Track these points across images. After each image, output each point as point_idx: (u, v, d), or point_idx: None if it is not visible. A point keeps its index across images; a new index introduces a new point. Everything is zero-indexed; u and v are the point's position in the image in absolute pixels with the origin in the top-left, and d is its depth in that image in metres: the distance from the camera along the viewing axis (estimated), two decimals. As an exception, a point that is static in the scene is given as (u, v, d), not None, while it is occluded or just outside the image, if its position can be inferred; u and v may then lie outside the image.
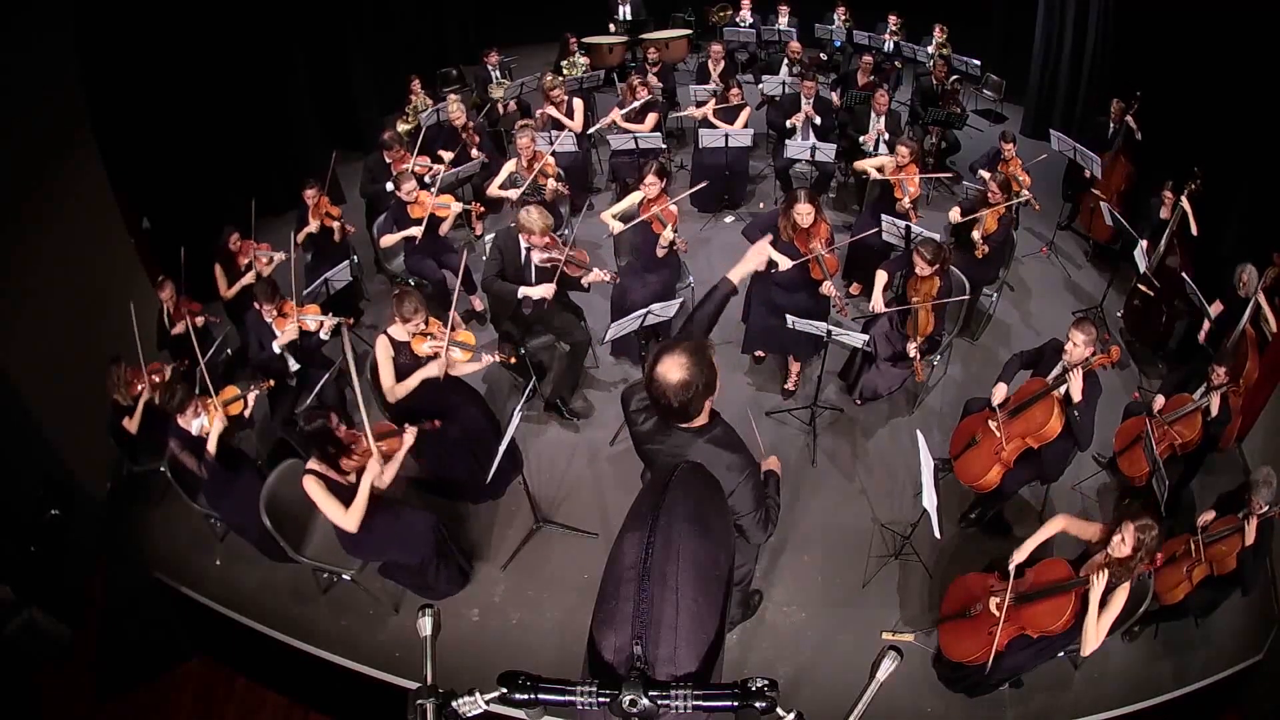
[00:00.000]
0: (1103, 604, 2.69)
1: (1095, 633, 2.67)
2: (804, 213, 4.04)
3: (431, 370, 3.53)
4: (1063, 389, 3.32)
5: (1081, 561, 2.87)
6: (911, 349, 4.01)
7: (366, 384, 3.59)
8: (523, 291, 4.03)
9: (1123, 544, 2.68)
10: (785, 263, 4.15)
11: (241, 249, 4.72)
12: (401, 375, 3.56)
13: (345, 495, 3.01)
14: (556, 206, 5.25)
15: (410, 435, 3.25)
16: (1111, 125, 5.86)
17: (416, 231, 4.81)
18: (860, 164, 5.41)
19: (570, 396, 4.51)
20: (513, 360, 3.92)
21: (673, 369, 1.81)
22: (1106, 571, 2.67)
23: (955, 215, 4.82)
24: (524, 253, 4.04)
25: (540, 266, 4.06)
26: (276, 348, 3.94)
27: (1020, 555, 2.94)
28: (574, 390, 4.53)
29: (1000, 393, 3.56)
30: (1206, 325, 4.23)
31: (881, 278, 4.26)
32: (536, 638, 3.40)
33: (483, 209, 5.15)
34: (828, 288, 4.12)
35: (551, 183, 5.07)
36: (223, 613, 3.59)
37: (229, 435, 3.42)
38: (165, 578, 3.74)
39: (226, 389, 3.61)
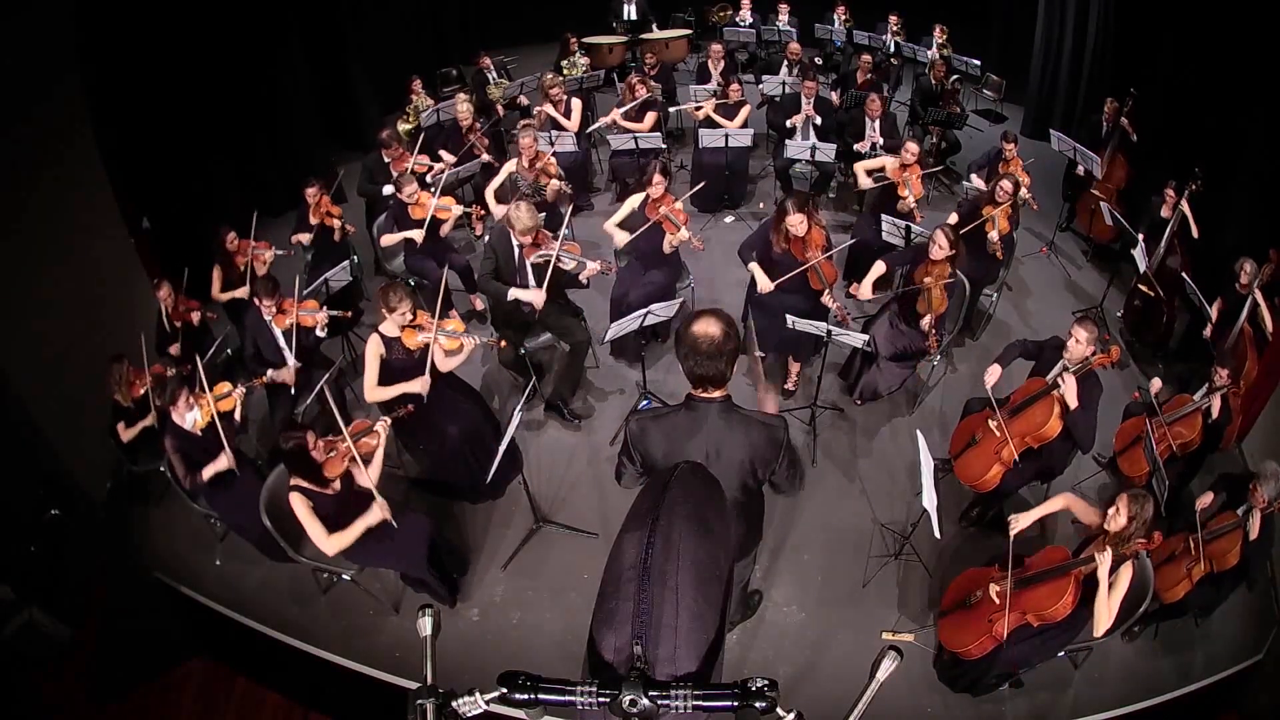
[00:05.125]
0: (1110, 583, 2.70)
1: (1107, 610, 2.68)
2: (796, 223, 4.03)
3: (415, 387, 3.52)
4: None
5: (1081, 550, 2.88)
6: (925, 322, 4.02)
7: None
8: (512, 294, 4.03)
9: (1118, 515, 2.72)
10: (766, 285, 4.13)
11: (239, 248, 4.73)
12: (394, 370, 3.56)
13: (332, 505, 3.03)
14: (557, 206, 5.25)
15: (383, 429, 3.27)
16: (1105, 124, 5.86)
17: (418, 235, 4.81)
18: (859, 168, 5.35)
19: (571, 396, 4.51)
20: (502, 344, 3.92)
21: (710, 325, 1.96)
22: (1110, 549, 2.69)
23: (951, 220, 4.77)
24: (517, 251, 4.04)
25: (534, 264, 4.06)
26: (271, 376, 3.94)
27: (1025, 520, 2.95)
28: (574, 390, 4.53)
29: (995, 374, 3.55)
30: (1210, 327, 4.21)
31: (879, 269, 4.27)
32: (536, 638, 3.40)
33: (483, 211, 5.17)
34: (828, 299, 4.11)
35: (554, 183, 5.07)
36: (223, 613, 3.59)
37: (228, 435, 3.42)
38: (165, 578, 3.74)
39: (219, 384, 3.62)
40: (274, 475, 3.28)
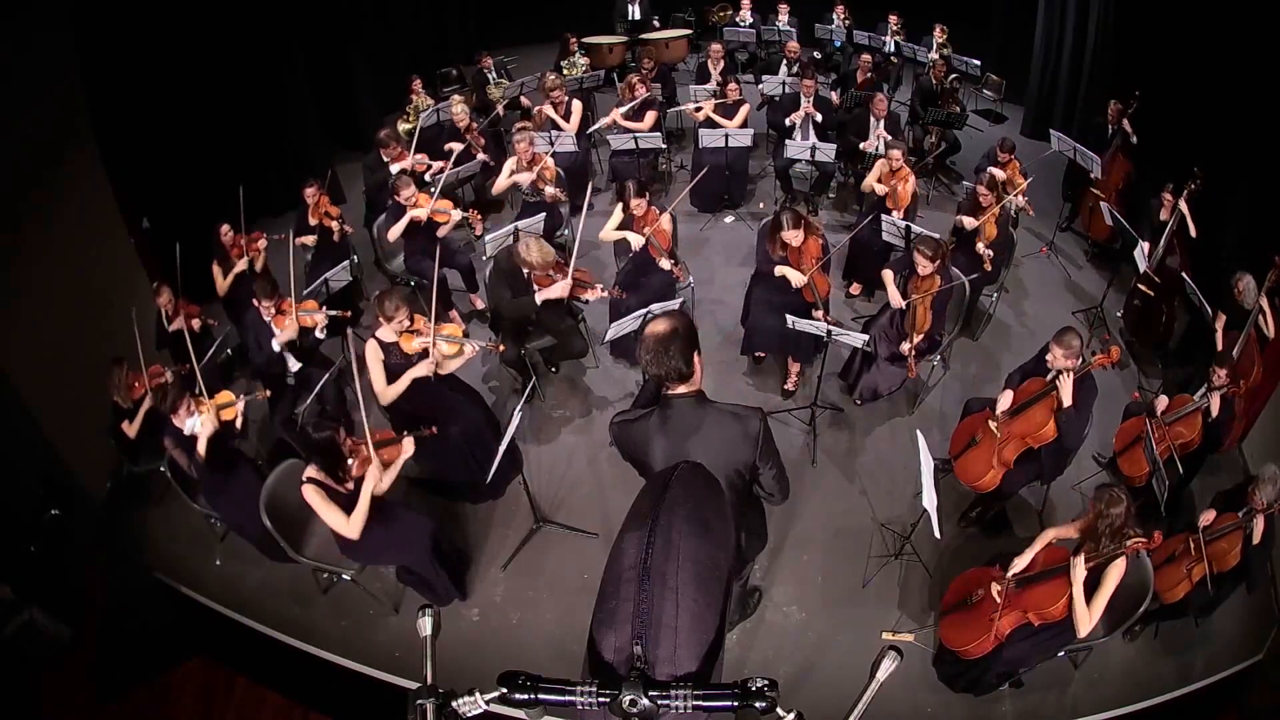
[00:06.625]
0: (1096, 584, 2.71)
1: (1085, 613, 2.69)
2: (790, 238, 4.04)
3: (421, 369, 3.53)
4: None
5: (1080, 549, 2.89)
6: (905, 347, 4.01)
7: (367, 384, 3.59)
8: (540, 296, 4.03)
9: (1090, 514, 2.78)
10: (799, 279, 4.14)
11: (233, 240, 4.74)
12: (394, 375, 3.56)
13: (343, 502, 3.02)
14: (556, 208, 5.26)
15: (409, 445, 3.26)
16: (1110, 126, 5.86)
17: (421, 214, 4.80)
18: (866, 184, 5.26)
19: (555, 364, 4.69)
20: (501, 348, 3.93)
21: (656, 324, 2.01)
22: (1083, 555, 2.72)
23: (969, 222, 4.71)
24: (526, 273, 4.05)
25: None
26: (276, 345, 3.94)
27: (1019, 565, 2.96)
28: (558, 358, 4.66)
29: (1007, 399, 3.56)
30: (1220, 335, 4.12)
31: (888, 277, 4.27)
32: (536, 638, 3.40)
33: (480, 215, 5.19)
34: (820, 316, 4.10)
35: (550, 189, 5.08)
36: (223, 613, 3.59)
37: (224, 439, 3.42)
38: (165, 578, 3.74)
39: (222, 393, 3.61)
40: (274, 475, 3.28)
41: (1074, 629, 2.75)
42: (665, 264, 4.39)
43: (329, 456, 2.98)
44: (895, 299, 4.21)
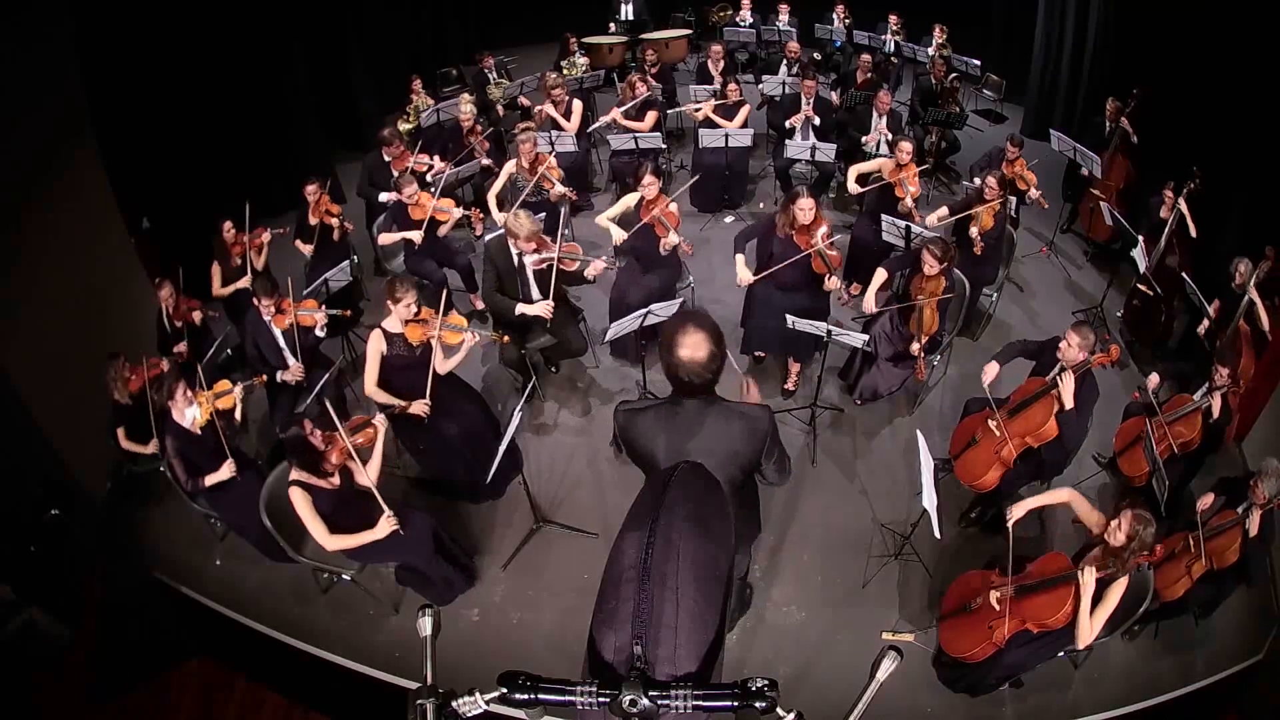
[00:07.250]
0: (1099, 597, 2.70)
1: (1088, 625, 2.68)
2: (805, 208, 4.02)
3: (415, 410, 3.52)
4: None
5: (1083, 555, 2.88)
6: (915, 347, 4.01)
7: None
8: (520, 309, 4.02)
9: (1118, 531, 2.70)
10: (746, 277, 4.15)
11: (236, 239, 4.74)
12: (395, 366, 3.56)
13: (332, 501, 3.03)
14: (556, 207, 5.25)
15: (381, 422, 3.27)
16: (1108, 124, 5.87)
17: (416, 236, 4.82)
18: (852, 173, 5.23)
19: (555, 363, 4.69)
20: (505, 340, 3.92)
21: (697, 347, 1.87)
22: (1095, 566, 2.70)
23: (934, 219, 4.71)
24: (516, 259, 4.03)
25: (536, 270, 4.05)
26: (280, 377, 3.96)
27: (1020, 511, 2.95)
28: (558, 358, 4.66)
29: (992, 371, 3.55)
30: (1206, 322, 4.21)
31: (880, 276, 4.26)
32: (536, 638, 3.40)
33: (481, 214, 5.18)
34: (832, 282, 4.10)
35: (559, 187, 5.07)
36: (223, 613, 3.59)
37: (227, 436, 3.43)
38: (165, 578, 3.74)
39: (219, 383, 3.62)
40: (274, 475, 3.28)
41: (1073, 637, 2.75)
42: (674, 238, 4.35)
43: (302, 454, 2.99)
44: (869, 303, 4.20)
